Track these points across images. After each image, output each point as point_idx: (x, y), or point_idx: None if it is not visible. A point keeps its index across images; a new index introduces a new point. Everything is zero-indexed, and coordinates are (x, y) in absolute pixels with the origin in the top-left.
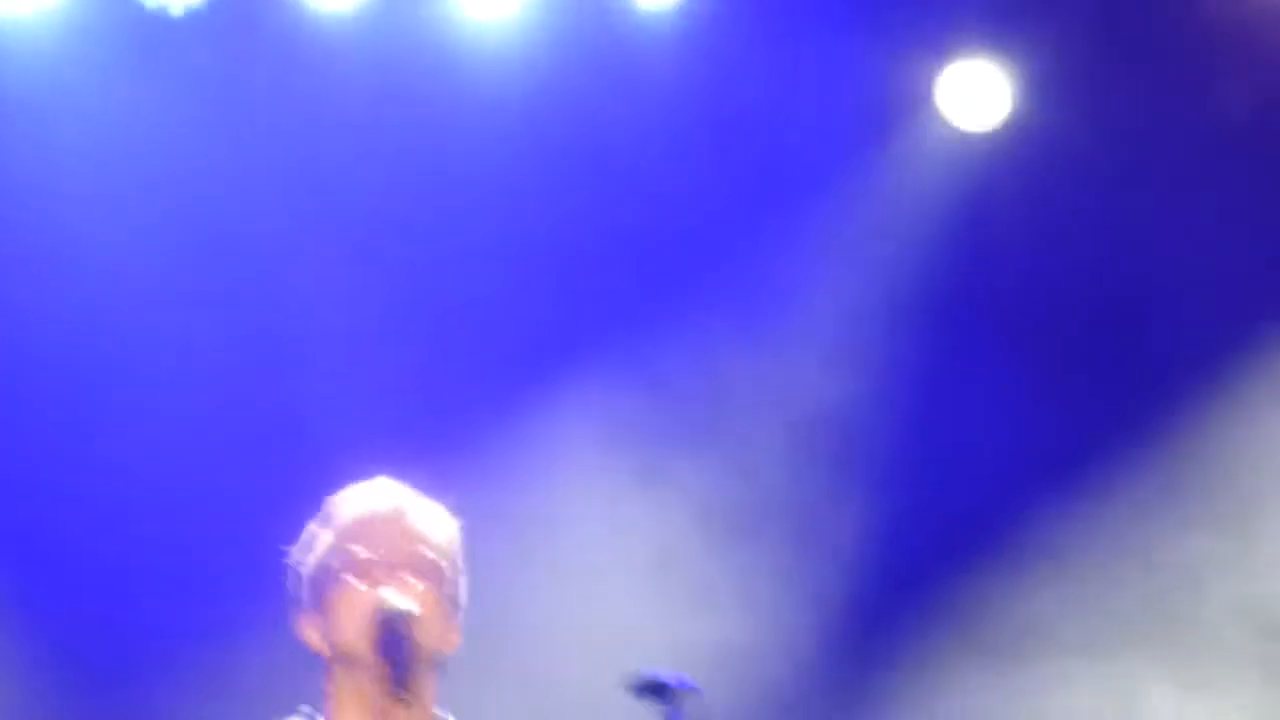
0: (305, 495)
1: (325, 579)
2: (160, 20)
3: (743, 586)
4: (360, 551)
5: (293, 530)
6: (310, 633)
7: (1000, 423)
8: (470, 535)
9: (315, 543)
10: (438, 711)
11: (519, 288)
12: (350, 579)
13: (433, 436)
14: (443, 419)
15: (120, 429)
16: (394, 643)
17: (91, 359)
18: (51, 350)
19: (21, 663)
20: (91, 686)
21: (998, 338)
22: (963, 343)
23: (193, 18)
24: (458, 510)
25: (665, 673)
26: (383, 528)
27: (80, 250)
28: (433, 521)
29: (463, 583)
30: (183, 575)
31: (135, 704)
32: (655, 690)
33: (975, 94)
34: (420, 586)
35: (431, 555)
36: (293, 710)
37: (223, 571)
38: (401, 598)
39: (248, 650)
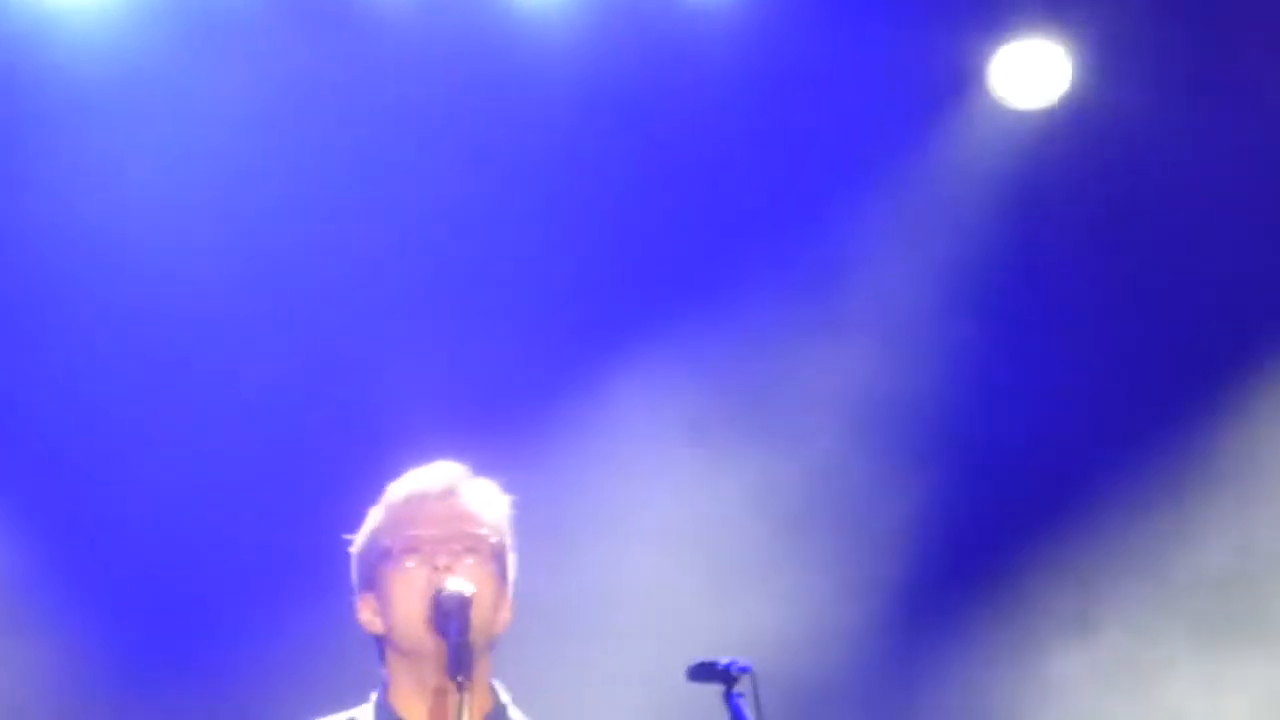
0: (368, 484)
1: (378, 559)
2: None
3: (798, 572)
4: (412, 530)
5: (356, 520)
6: (366, 614)
7: (1056, 405)
8: (524, 516)
9: (370, 522)
10: (495, 684)
11: (577, 270)
12: (403, 559)
13: (490, 419)
14: (500, 403)
15: (189, 420)
16: (449, 626)
17: (150, 349)
18: (110, 342)
19: (109, 664)
20: (171, 682)
21: (1053, 319)
22: (1018, 324)
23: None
24: (511, 489)
25: (722, 658)
26: (434, 506)
27: (145, 239)
28: (484, 499)
29: (513, 560)
30: (248, 570)
31: (208, 698)
32: (711, 673)
33: (1031, 72)
34: (473, 564)
35: (484, 533)
36: (366, 698)
37: (288, 564)
38: (455, 579)
39: (318, 640)
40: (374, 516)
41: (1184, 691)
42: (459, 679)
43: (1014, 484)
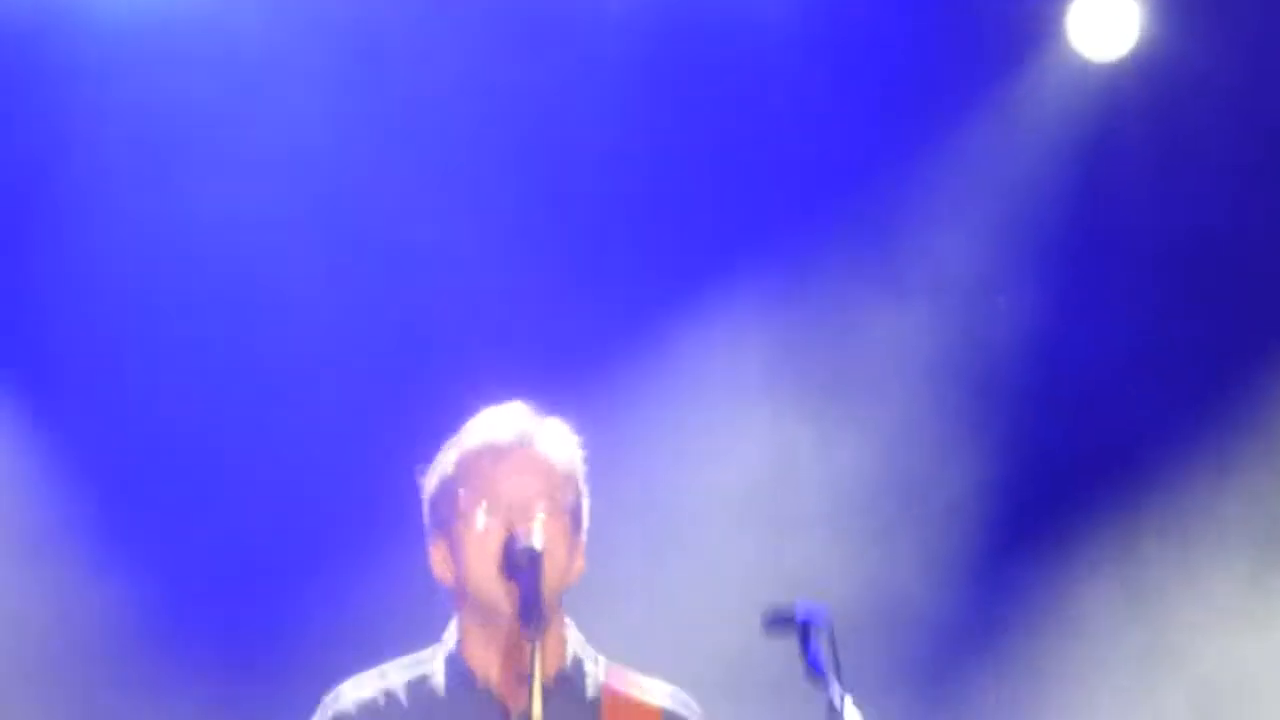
0: (439, 423)
1: (449, 509)
2: None
3: (867, 535)
4: (485, 483)
5: (427, 457)
6: (438, 562)
7: (1124, 363)
8: (598, 459)
9: (441, 469)
10: (568, 633)
11: (651, 222)
12: (474, 512)
13: (563, 369)
14: (573, 352)
15: (252, 350)
16: (521, 581)
17: (203, 281)
18: (160, 275)
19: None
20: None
21: (1127, 272)
22: (1091, 278)
23: None
24: (581, 430)
25: (799, 605)
26: (508, 457)
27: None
28: (557, 445)
29: (586, 506)
30: (317, 506)
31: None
32: (787, 623)
33: (1104, 22)
34: (546, 517)
35: (557, 483)
36: (437, 642)
37: (360, 496)
38: (528, 533)
39: (389, 587)
40: (446, 460)
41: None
42: (531, 632)
43: (1090, 437)
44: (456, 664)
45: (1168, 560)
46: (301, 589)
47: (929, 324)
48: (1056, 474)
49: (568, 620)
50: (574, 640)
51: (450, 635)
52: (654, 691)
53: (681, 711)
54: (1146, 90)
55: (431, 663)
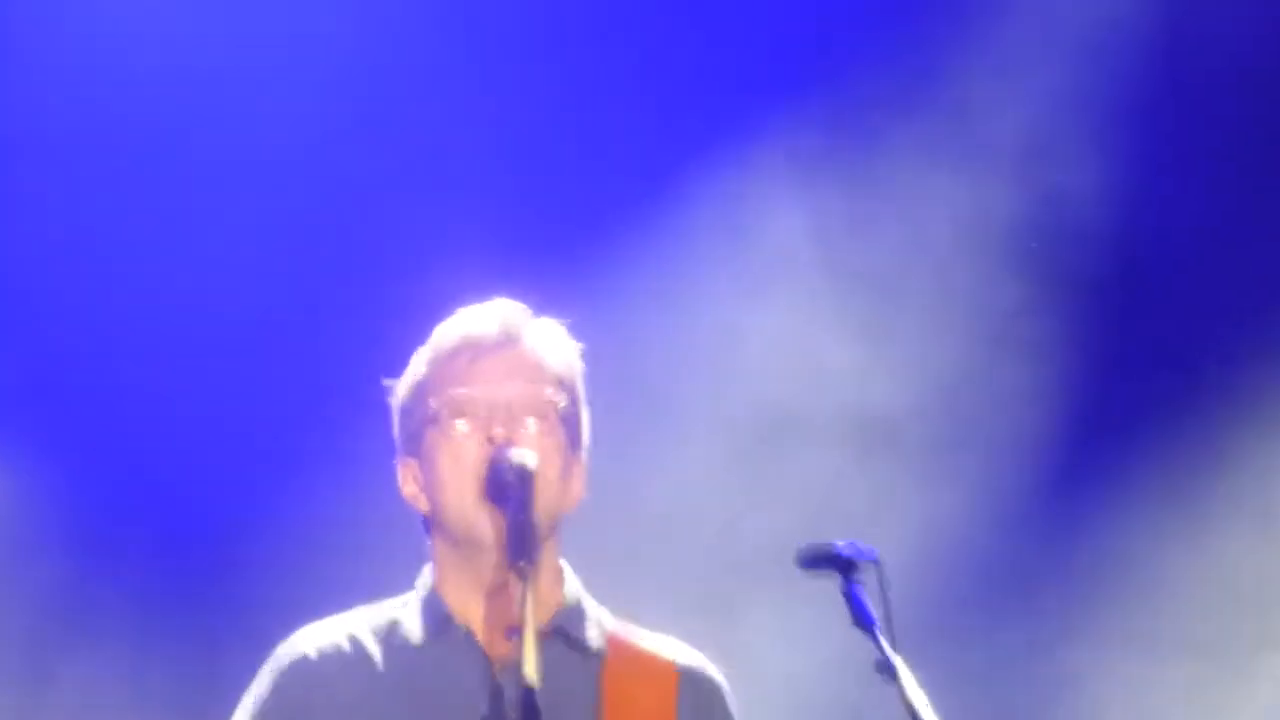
0: (408, 326)
1: (422, 421)
2: None
3: (912, 460)
4: (462, 388)
5: (396, 364)
6: (408, 484)
7: (1214, 245)
8: (597, 361)
9: (412, 373)
10: (565, 570)
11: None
12: (452, 423)
13: (552, 250)
14: (570, 228)
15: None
16: (507, 502)
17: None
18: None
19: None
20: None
21: (1203, 160)
22: (1166, 161)
23: None
24: (580, 332)
25: (840, 543)
26: (490, 356)
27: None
28: (551, 345)
29: (587, 419)
30: (268, 423)
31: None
32: (828, 560)
33: None
34: (536, 429)
35: (549, 390)
36: (409, 586)
37: (315, 418)
38: (515, 446)
39: (349, 512)
40: (417, 365)
41: None
42: (520, 566)
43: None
44: (433, 605)
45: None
46: (263, 527)
47: (1002, 194)
48: (1130, 382)
49: (563, 561)
50: (571, 580)
51: (425, 575)
52: (669, 647)
53: (705, 670)
54: None
55: (405, 608)
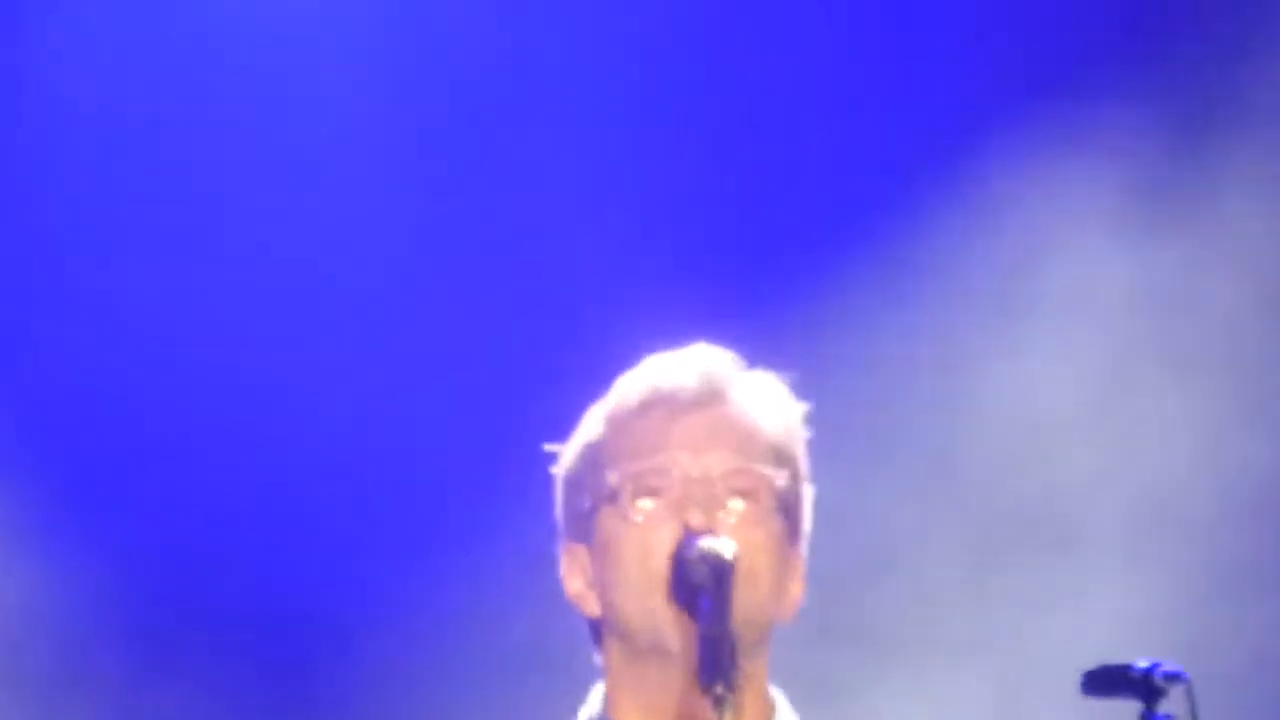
0: (583, 369)
1: (596, 496)
2: None
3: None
4: (651, 459)
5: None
6: (573, 579)
7: None
8: (823, 426)
9: (584, 434)
10: (774, 695)
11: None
12: (635, 500)
13: (781, 286)
14: (800, 259)
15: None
16: (702, 607)
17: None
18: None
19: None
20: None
21: None
22: None
23: None
24: (805, 391)
25: (1141, 662)
26: (687, 417)
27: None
28: (767, 406)
29: (809, 499)
30: (406, 496)
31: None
32: (1121, 683)
33: None
34: (745, 514)
35: (762, 462)
36: (570, 711)
37: (459, 494)
38: (713, 533)
39: (497, 614)
40: (591, 427)
41: None
42: (716, 689)
43: None
44: None
45: None
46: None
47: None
48: None
49: (776, 689)
50: (783, 707)
51: (594, 700)
52: None
53: None
54: None
55: None
